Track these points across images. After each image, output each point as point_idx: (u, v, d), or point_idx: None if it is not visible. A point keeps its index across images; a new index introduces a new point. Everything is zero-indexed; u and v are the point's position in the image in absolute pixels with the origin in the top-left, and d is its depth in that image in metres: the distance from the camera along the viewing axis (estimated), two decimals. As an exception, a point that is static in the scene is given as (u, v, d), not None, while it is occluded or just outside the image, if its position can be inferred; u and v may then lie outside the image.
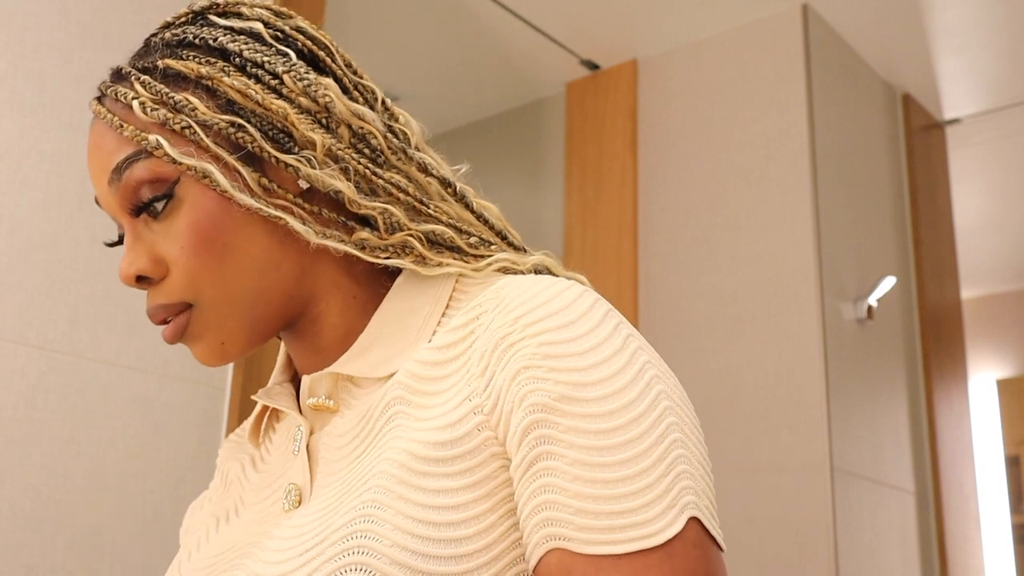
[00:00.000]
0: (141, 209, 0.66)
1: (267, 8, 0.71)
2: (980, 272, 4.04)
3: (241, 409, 1.64)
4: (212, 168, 0.64)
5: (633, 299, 2.44)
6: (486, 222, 0.72)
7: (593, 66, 2.67)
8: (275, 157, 0.65)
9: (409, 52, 2.66)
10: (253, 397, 0.74)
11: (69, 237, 1.50)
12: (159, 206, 0.65)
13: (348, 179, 0.66)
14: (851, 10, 2.38)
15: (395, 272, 0.70)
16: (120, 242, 0.70)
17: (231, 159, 0.65)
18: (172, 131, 0.65)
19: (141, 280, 0.67)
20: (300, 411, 0.71)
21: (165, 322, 0.68)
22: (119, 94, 0.67)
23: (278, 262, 0.67)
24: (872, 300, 2.31)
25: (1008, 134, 2.94)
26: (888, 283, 2.34)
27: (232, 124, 0.65)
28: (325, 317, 0.70)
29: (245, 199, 0.64)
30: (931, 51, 2.52)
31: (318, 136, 0.66)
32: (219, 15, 0.70)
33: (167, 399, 1.58)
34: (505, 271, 0.68)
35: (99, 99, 0.69)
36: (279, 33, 0.69)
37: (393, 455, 0.59)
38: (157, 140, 0.64)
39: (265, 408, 0.77)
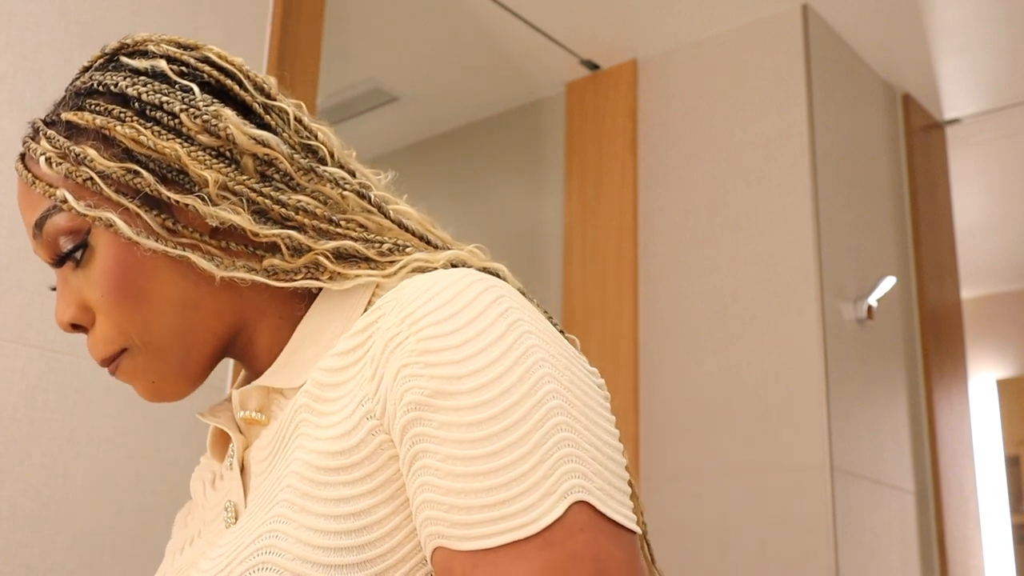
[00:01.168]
0: (63, 259, 0.69)
1: (173, 43, 0.72)
2: (980, 272, 4.04)
3: (241, 409, 1.64)
4: (114, 217, 0.67)
5: (633, 299, 2.44)
6: (406, 228, 0.72)
7: (593, 66, 2.67)
8: (173, 199, 0.67)
9: (409, 52, 2.66)
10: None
11: (69, 237, 1.50)
12: (78, 255, 0.68)
13: (246, 210, 0.67)
14: (851, 10, 2.38)
15: (320, 289, 0.71)
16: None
17: (131, 205, 0.67)
18: (76, 183, 0.68)
19: (76, 327, 0.71)
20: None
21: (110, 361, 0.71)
22: (31, 150, 0.71)
23: (195, 302, 0.69)
24: (872, 300, 2.31)
25: (1008, 134, 2.94)
26: (888, 283, 2.34)
27: (128, 171, 0.67)
28: (257, 341, 0.72)
29: (149, 243, 0.67)
30: (931, 51, 2.52)
31: (210, 174, 0.66)
32: (128, 55, 0.72)
33: (167, 399, 1.58)
34: (422, 271, 0.67)
35: (22, 156, 0.72)
36: (184, 68, 0.71)
37: (296, 467, 0.60)
38: (64, 194, 0.67)
39: None
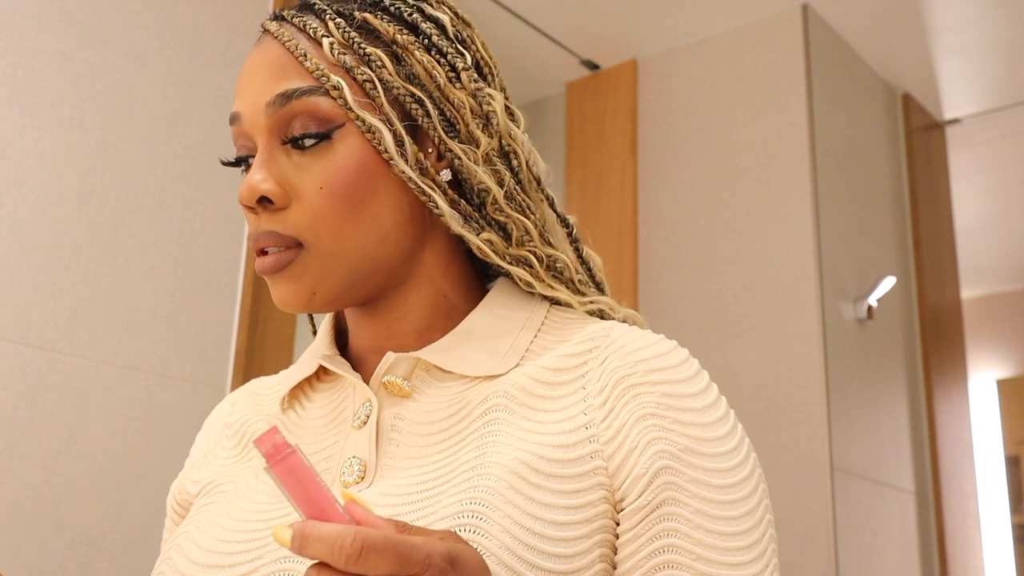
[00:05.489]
0: (294, 139, 0.66)
1: (451, 9, 0.72)
2: (980, 272, 4.04)
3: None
4: (383, 127, 0.65)
5: (633, 299, 2.44)
6: (588, 270, 0.75)
7: (593, 66, 2.67)
8: (442, 141, 0.67)
9: (409, 52, 2.65)
10: (321, 361, 0.72)
11: (69, 237, 1.50)
12: (311, 142, 0.65)
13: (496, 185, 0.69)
14: (851, 10, 2.38)
15: (484, 286, 0.74)
16: (235, 163, 0.70)
17: (399, 126, 0.66)
18: (352, 79, 0.66)
19: (261, 201, 0.66)
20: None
21: (263, 252, 0.67)
22: (307, 26, 0.67)
23: (398, 238, 0.68)
24: (872, 300, 2.31)
25: (1008, 134, 2.94)
26: (888, 283, 2.34)
27: (411, 95, 0.67)
28: (412, 306, 0.71)
29: (404, 167, 0.65)
30: (931, 51, 2.52)
31: (484, 137, 0.68)
32: None
33: (167, 399, 1.58)
34: (600, 314, 0.73)
35: (279, 20, 0.69)
36: (459, 34, 0.71)
37: (502, 459, 0.61)
38: (340, 83, 0.65)
39: (306, 375, 0.75)
